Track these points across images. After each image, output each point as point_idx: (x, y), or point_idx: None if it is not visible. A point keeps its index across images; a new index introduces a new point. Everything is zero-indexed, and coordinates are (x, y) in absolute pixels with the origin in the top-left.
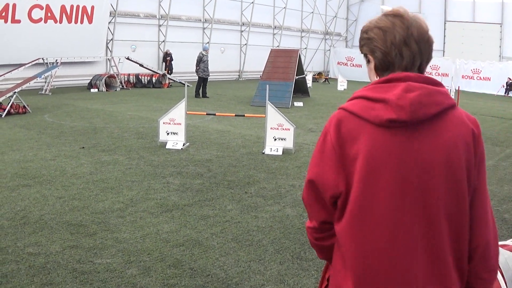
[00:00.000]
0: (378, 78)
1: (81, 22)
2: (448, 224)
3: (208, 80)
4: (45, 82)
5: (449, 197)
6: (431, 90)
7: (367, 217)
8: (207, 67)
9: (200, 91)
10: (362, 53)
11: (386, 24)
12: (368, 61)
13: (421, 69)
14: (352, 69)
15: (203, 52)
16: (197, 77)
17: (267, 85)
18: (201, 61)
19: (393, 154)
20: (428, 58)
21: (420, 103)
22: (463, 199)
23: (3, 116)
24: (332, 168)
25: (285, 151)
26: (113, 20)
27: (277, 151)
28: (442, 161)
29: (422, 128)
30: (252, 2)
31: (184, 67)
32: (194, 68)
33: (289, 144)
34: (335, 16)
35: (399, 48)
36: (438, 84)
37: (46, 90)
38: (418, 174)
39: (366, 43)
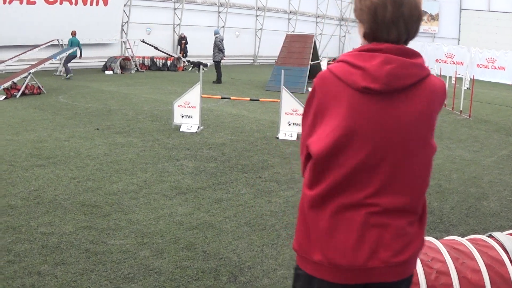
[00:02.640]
0: (364, 42)
1: (97, 4)
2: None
3: (222, 64)
4: (60, 63)
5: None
6: (407, 63)
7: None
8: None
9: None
10: (355, 17)
11: (379, 1)
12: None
13: (406, 43)
14: None
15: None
16: (213, 62)
17: (282, 70)
18: (214, 45)
19: (370, 118)
20: (415, 34)
21: (395, 76)
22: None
23: (17, 96)
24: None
25: (299, 136)
26: (128, 3)
27: (291, 136)
28: (414, 124)
29: (398, 96)
30: None
31: (199, 51)
32: (209, 52)
33: None
34: (351, 2)
35: (387, 27)
36: (415, 55)
37: (61, 72)
38: (392, 137)
39: (359, 13)
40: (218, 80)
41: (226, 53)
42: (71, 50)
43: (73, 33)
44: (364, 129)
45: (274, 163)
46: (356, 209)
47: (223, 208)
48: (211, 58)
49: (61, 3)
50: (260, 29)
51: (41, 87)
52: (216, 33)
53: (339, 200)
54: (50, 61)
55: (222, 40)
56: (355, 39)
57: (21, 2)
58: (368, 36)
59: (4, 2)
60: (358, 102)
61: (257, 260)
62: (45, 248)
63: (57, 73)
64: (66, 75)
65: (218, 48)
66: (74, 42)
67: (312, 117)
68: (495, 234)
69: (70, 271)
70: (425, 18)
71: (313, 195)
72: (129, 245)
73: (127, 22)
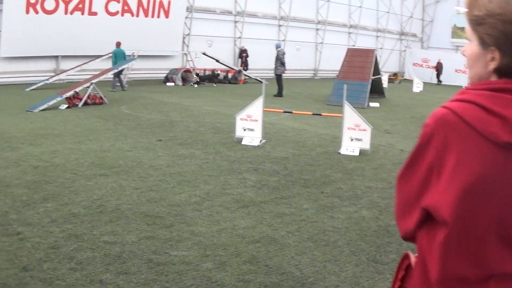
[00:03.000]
0: (488, 78)
1: (158, 16)
2: None
3: (283, 77)
4: (122, 74)
5: None
6: None
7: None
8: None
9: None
10: (476, 35)
11: None
12: (481, 47)
13: None
14: (427, 71)
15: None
16: (274, 75)
17: (345, 85)
18: (276, 58)
19: (506, 174)
20: None
21: None
22: None
23: (79, 105)
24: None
25: (361, 152)
26: (189, 15)
27: (353, 151)
28: None
29: None
30: (328, 0)
31: (260, 64)
32: (269, 65)
33: (366, 145)
34: (411, 17)
35: None
36: None
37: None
38: None
39: (496, 38)
40: (279, 94)
41: (286, 66)
42: (133, 62)
43: (118, 44)
44: (499, 186)
45: (336, 178)
46: None
47: (285, 223)
48: (273, 72)
49: (122, 15)
50: (321, 43)
51: (103, 97)
52: (278, 46)
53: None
54: (112, 72)
55: (284, 54)
56: (415, 53)
57: (82, 13)
58: (503, 70)
59: (66, 13)
60: (493, 157)
61: (320, 276)
62: (107, 257)
63: (118, 84)
64: (122, 88)
65: (280, 61)
66: (118, 54)
67: (426, 170)
68: None
69: (133, 280)
70: None
71: (470, 276)
72: (192, 257)
73: (188, 34)
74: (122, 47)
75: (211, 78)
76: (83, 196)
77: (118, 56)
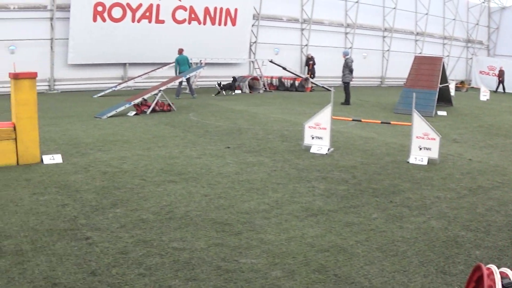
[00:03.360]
0: None
1: (225, 24)
2: None
3: (344, 85)
4: (191, 82)
5: None
6: None
7: None
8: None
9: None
10: None
11: None
12: None
13: None
14: (494, 79)
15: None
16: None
17: (414, 93)
18: (344, 66)
19: None
20: None
21: None
22: None
23: (148, 112)
24: None
25: (430, 161)
26: (256, 23)
27: (422, 160)
28: None
29: None
30: (394, 8)
31: (326, 72)
32: (335, 73)
33: (434, 154)
34: (477, 24)
35: None
36: None
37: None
38: None
39: None
40: (347, 102)
41: (353, 74)
42: (201, 69)
43: (180, 51)
44: None
45: (405, 188)
46: None
47: (354, 232)
48: (340, 79)
49: (189, 23)
50: (387, 50)
51: (171, 104)
52: (346, 54)
53: None
54: (179, 79)
55: (353, 62)
56: (481, 61)
57: (150, 21)
58: None
59: (133, 21)
60: None
61: (388, 286)
62: (176, 263)
63: (187, 91)
64: (192, 95)
65: (349, 69)
66: (181, 60)
67: None
68: None
69: (201, 287)
70: None
71: None
72: (261, 265)
73: (255, 42)
74: (189, 54)
75: (230, 86)
76: (152, 202)
77: (181, 63)
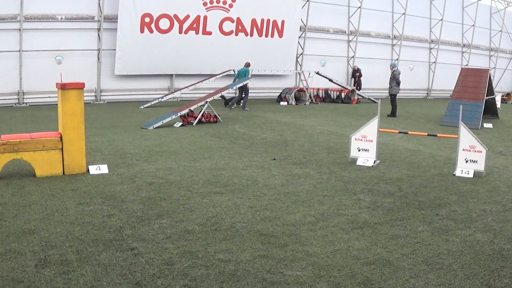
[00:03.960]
0: None
1: (272, 36)
2: None
3: (392, 97)
4: (235, 93)
5: None
6: None
7: None
8: (392, 84)
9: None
10: None
11: None
12: None
13: None
14: None
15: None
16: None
17: (461, 106)
18: (392, 78)
19: None
20: None
21: None
22: None
23: (194, 124)
24: None
25: (476, 174)
26: (303, 35)
27: (468, 173)
28: None
29: None
30: (441, 20)
31: (373, 83)
32: (382, 85)
33: (480, 167)
34: None
35: None
36: None
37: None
38: None
39: None
40: (393, 114)
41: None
42: (247, 81)
43: (246, 64)
44: None
45: (451, 200)
46: None
47: (400, 245)
48: (386, 91)
49: (236, 34)
50: (434, 62)
51: (217, 116)
52: (393, 66)
53: None
54: (226, 91)
55: (400, 74)
56: None
57: (197, 32)
58: None
59: (180, 32)
60: None
61: None
62: (221, 274)
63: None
64: (244, 107)
65: (396, 81)
66: (241, 73)
67: None
68: None
69: None
70: None
71: None
72: (306, 277)
73: (301, 54)
74: (236, 66)
75: (231, 99)
76: (198, 214)
77: (241, 75)
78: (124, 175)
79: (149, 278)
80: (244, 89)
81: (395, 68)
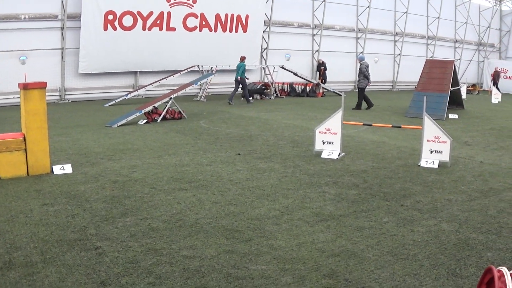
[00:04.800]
0: None
1: (236, 31)
2: None
3: (359, 90)
4: (200, 89)
5: None
6: None
7: None
8: (360, 77)
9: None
10: None
11: None
12: None
13: None
14: (506, 82)
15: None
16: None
17: (425, 97)
18: (359, 72)
19: None
20: None
21: None
22: None
23: (158, 120)
24: None
25: (441, 164)
26: (267, 29)
27: (433, 164)
28: None
29: None
30: (406, 12)
31: (338, 77)
32: (348, 78)
33: (445, 157)
34: (488, 27)
35: None
36: None
37: (201, 97)
38: None
39: None
40: (358, 106)
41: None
42: (211, 77)
43: (241, 59)
44: None
45: (416, 191)
46: None
47: (365, 236)
48: (352, 84)
49: (200, 30)
50: (399, 54)
51: (182, 112)
52: (361, 59)
53: None
54: (190, 87)
55: (368, 67)
56: (493, 64)
57: (160, 29)
58: None
59: (144, 29)
60: None
61: None
62: (186, 271)
63: (197, 99)
64: (248, 101)
65: (364, 74)
66: (238, 67)
67: None
68: None
69: None
70: None
71: None
72: (271, 271)
73: (266, 48)
74: (200, 61)
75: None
76: (162, 211)
77: (237, 70)
78: (88, 174)
79: (113, 277)
80: (241, 83)
81: (363, 62)
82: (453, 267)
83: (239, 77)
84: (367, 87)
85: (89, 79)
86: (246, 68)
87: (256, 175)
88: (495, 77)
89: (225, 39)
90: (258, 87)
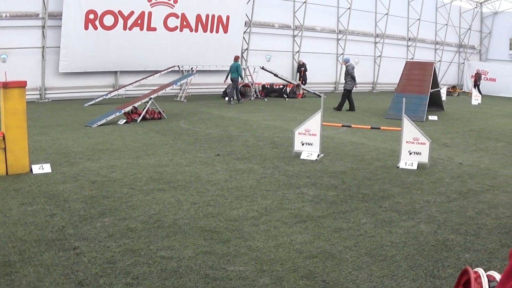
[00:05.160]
0: None
1: (217, 31)
2: None
3: (345, 92)
4: (181, 89)
5: None
6: None
7: None
8: (346, 79)
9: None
10: None
11: None
12: None
13: None
14: (486, 83)
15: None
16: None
17: (404, 98)
18: (346, 73)
19: None
20: None
21: None
22: None
23: (138, 120)
24: None
25: (420, 166)
26: (248, 30)
27: (411, 165)
28: None
29: None
30: (387, 14)
31: (318, 78)
32: (328, 79)
33: (424, 158)
34: (469, 29)
35: None
36: None
37: (181, 97)
38: None
39: None
40: (339, 107)
41: (344, 80)
42: (191, 77)
43: (235, 58)
44: None
45: (395, 192)
46: None
47: (343, 238)
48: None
49: (181, 30)
50: (379, 56)
51: (162, 112)
52: (347, 61)
53: None
54: (170, 87)
55: (354, 68)
56: (473, 66)
57: (141, 29)
58: None
59: (125, 29)
60: None
61: None
62: (164, 272)
63: (178, 99)
64: (238, 101)
65: (351, 76)
66: (233, 67)
67: None
68: None
69: None
70: None
71: None
72: (249, 272)
73: (247, 49)
74: (181, 62)
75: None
76: (140, 211)
77: (232, 70)
78: (67, 174)
79: (91, 277)
80: (233, 81)
81: (349, 63)
82: (431, 268)
83: (238, 77)
84: (354, 88)
85: (69, 78)
86: (227, 69)
87: (235, 176)
88: (477, 79)
89: (205, 40)
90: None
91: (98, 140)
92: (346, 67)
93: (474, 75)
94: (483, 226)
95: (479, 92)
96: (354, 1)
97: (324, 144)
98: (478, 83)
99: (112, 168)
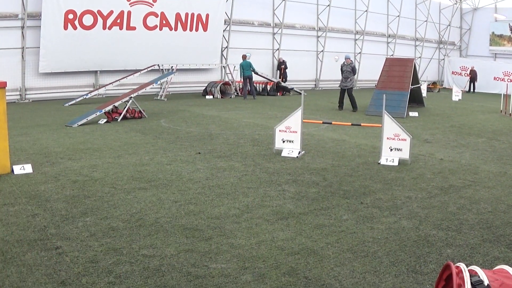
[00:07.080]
0: None
1: (196, 30)
2: None
3: (323, 89)
4: (161, 88)
5: None
6: None
7: None
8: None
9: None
10: None
11: None
12: None
13: None
14: (466, 79)
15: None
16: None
17: (384, 95)
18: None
19: None
20: None
21: None
22: None
23: (119, 120)
24: None
25: (401, 162)
26: (227, 28)
27: (393, 161)
28: None
29: None
30: (366, 11)
31: (298, 75)
32: (308, 76)
33: (405, 154)
34: (449, 25)
35: None
36: None
37: (161, 96)
38: None
39: None
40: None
41: (324, 77)
42: (171, 76)
43: (244, 57)
44: None
45: (376, 189)
46: None
47: (325, 234)
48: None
49: (161, 29)
50: (359, 53)
51: (142, 111)
52: (348, 58)
53: None
54: (151, 86)
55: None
56: (454, 62)
57: (121, 28)
58: None
59: (104, 28)
60: None
61: (359, 287)
62: (146, 270)
63: (158, 98)
64: (254, 97)
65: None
66: (245, 66)
67: None
68: None
69: None
70: None
71: None
72: (231, 269)
73: (226, 47)
74: (161, 60)
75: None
76: (122, 210)
77: (246, 68)
78: (49, 174)
79: (74, 276)
80: (249, 79)
81: (351, 60)
82: (413, 264)
83: (252, 74)
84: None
85: (49, 79)
86: (206, 67)
87: (216, 174)
88: (473, 76)
89: (185, 38)
90: (218, 86)
91: (79, 140)
92: (350, 65)
93: (469, 73)
94: (465, 221)
95: (473, 89)
96: None
97: (305, 141)
98: (475, 81)
99: (93, 168)
